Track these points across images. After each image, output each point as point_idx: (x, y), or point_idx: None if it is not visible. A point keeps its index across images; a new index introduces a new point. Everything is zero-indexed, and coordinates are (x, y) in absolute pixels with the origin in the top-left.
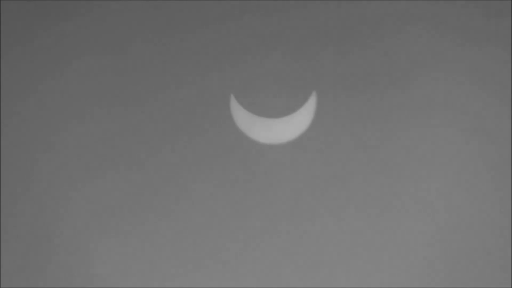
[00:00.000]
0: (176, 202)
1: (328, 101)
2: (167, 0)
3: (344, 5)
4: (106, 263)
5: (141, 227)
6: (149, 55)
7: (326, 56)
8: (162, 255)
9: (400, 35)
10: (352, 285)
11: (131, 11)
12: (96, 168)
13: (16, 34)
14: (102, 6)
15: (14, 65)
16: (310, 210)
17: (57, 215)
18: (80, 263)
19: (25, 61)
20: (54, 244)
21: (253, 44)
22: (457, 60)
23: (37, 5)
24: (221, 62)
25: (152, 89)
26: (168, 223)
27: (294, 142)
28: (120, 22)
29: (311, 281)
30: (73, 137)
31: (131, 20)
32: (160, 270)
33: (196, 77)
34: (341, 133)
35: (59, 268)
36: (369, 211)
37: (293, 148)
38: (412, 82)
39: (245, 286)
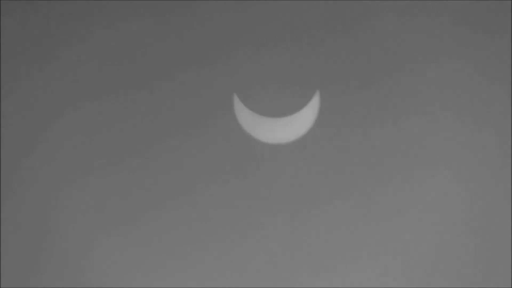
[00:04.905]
0: (178, 201)
1: (332, 100)
2: (170, 0)
3: (349, 8)
4: (107, 263)
5: (143, 226)
6: (151, 53)
7: (329, 55)
8: (163, 254)
9: (403, 34)
10: (354, 284)
11: (133, 9)
12: (99, 167)
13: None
14: (102, 5)
15: (13, 64)
16: (314, 209)
17: (58, 215)
18: (80, 262)
19: (22, 56)
20: (53, 243)
21: (256, 44)
22: (459, 55)
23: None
24: (224, 62)
25: (155, 88)
26: (171, 222)
27: (297, 141)
28: (122, 21)
29: (313, 280)
30: (75, 135)
31: (133, 20)
32: (160, 269)
33: (199, 76)
34: (344, 132)
35: (58, 267)
36: (372, 210)
37: (296, 147)
38: (416, 81)
39: (245, 285)
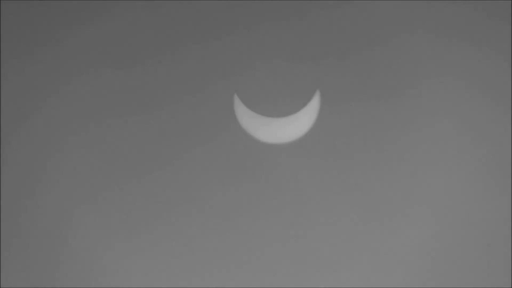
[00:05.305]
0: (179, 202)
1: (332, 100)
2: (174, 0)
3: (347, 8)
4: (111, 266)
5: (145, 228)
6: (151, 54)
7: (329, 56)
8: (166, 255)
9: (403, 36)
10: (354, 285)
11: (135, 16)
12: (102, 169)
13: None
14: (105, 12)
15: (17, 66)
16: (314, 209)
17: (62, 217)
18: (86, 265)
19: (28, 63)
20: (58, 246)
21: (258, 45)
22: (458, 63)
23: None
24: (226, 62)
25: (157, 90)
26: (171, 223)
27: (297, 141)
28: (125, 28)
29: (314, 280)
30: (80, 142)
31: (136, 25)
32: (164, 271)
33: (200, 77)
34: (344, 132)
35: (58, 267)
36: (370, 211)
37: (296, 147)
38: (415, 83)
39: (246, 285)
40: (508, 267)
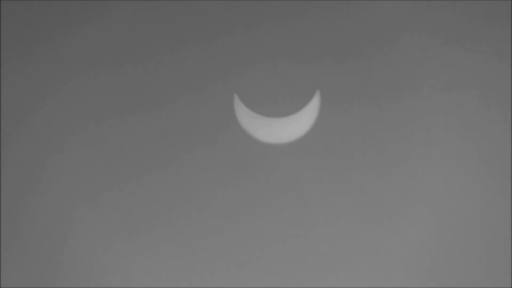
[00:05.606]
0: (179, 202)
1: (332, 100)
2: (174, 0)
3: (347, 8)
4: (111, 266)
5: (145, 228)
6: (156, 56)
7: (329, 57)
8: (166, 255)
9: (403, 36)
10: (354, 285)
11: (135, 16)
12: (102, 169)
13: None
14: (105, 12)
15: (17, 66)
16: (314, 209)
17: (62, 217)
18: (86, 265)
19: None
20: (58, 246)
21: (258, 45)
22: (458, 63)
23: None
24: (226, 62)
25: (157, 90)
26: (171, 223)
27: (297, 141)
28: (125, 28)
29: (314, 280)
30: (80, 142)
31: (136, 25)
32: (164, 271)
33: (200, 77)
34: (344, 132)
35: (60, 269)
36: (370, 211)
37: (296, 147)
38: (415, 84)
39: (246, 285)
40: (508, 267)
